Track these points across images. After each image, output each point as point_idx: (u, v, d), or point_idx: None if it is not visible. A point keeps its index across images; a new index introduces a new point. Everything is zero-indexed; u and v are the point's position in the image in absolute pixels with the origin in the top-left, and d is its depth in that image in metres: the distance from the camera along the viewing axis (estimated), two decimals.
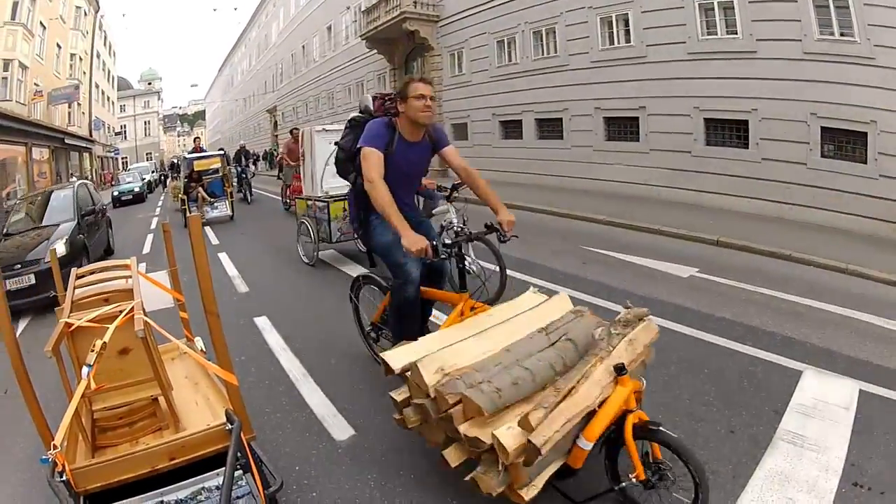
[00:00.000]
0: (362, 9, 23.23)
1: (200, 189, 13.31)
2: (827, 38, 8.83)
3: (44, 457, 1.76)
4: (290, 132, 13.33)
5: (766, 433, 2.93)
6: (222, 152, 14.81)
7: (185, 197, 13.47)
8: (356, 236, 6.07)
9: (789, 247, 7.06)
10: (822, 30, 8.88)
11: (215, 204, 13.28)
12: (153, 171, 32.97)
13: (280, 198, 14.62)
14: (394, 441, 3.04)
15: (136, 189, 23.31)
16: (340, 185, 6.49)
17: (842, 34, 8.65)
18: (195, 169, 13.48)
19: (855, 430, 2.94)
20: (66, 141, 28.83)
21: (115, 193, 22.67)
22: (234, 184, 15.78)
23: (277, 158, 17.99)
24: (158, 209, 18.58)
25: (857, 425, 2.99)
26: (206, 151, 15.95)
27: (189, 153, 15.30)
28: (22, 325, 6.38)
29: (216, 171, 14.04)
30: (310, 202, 7.49)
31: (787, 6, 9.24)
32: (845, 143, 8.87)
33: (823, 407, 3.19)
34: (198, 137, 15.26)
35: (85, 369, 1.91)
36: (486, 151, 17.33)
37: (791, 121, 9.34)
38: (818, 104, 8.94)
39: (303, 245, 7.76)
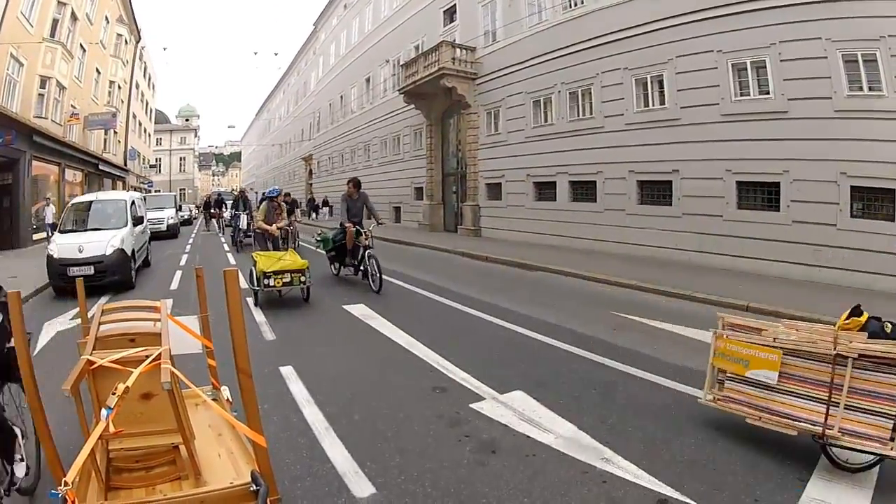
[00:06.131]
0: (401, 63, 24.50)
1: None
2: (857, 95, 9.28)
3: (54, 491, 1.74)
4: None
5: (790, 501, 3.05)
6: None
7: None
8: None
9: (820, 310, 7.20)
10: (851, 86, 9.34)
11: None
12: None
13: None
14: (415, 503, 3.17)
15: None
16: None
17: (870, 89, 9.10)
18: None
19: (876, 492, 3.09)
20: (101, 167, 30.25)
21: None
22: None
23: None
24: None
25: (879, 488, 3.13)
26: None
27: None
28: (39, 345, 6.56)
29: None
30: None
31: (818, 63, 9.70)
32: (873, 201, 9.18)
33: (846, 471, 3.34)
34: None
35: (104, 412, 1.92)
36: (519, 213, 17.77)
37: (821, 181, 9.69)
38: (847, 163, 9.30)
39: None
